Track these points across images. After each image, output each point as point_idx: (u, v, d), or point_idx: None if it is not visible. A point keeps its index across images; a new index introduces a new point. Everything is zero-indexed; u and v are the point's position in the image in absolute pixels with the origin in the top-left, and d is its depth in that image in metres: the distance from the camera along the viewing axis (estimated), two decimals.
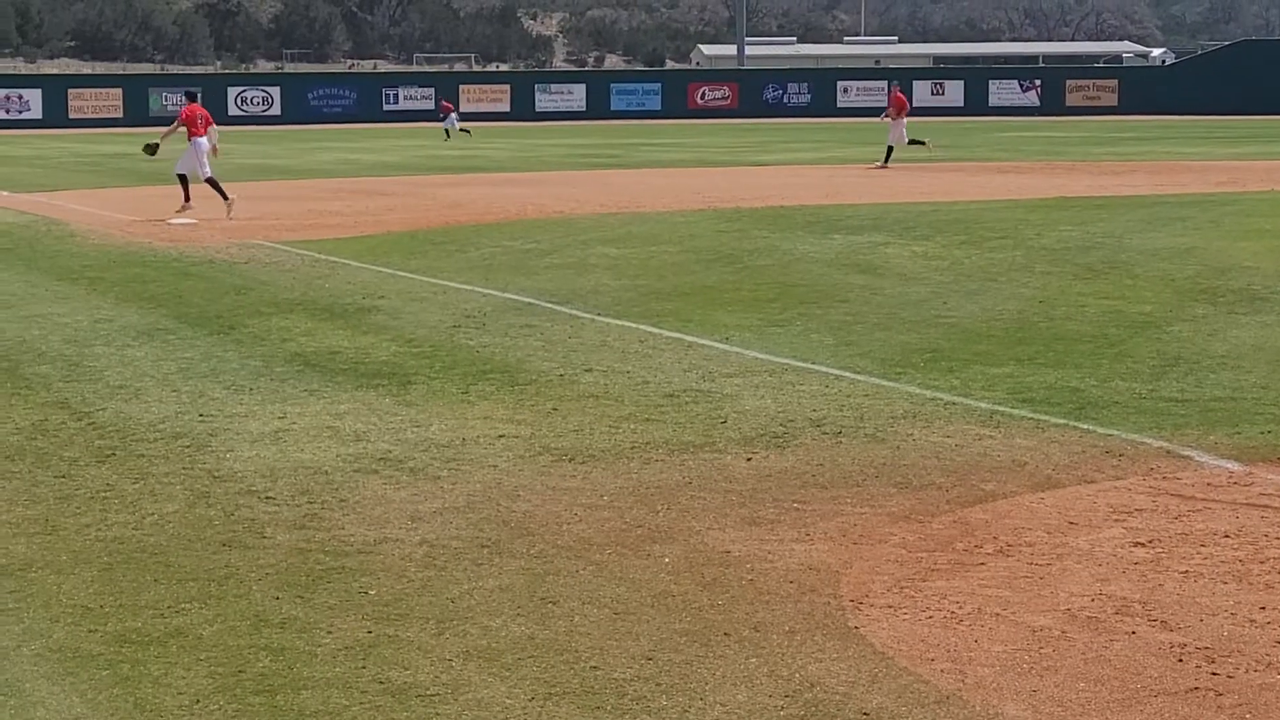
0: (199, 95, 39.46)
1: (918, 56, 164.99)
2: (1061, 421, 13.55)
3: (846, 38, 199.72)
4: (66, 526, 10.63)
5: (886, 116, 54.18)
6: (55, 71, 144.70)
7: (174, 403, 14.66)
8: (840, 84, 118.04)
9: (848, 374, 15.76)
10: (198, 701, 7.58)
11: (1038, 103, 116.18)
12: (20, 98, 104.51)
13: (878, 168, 50.77)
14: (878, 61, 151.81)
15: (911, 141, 52.19)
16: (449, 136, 79.73)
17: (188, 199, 34.53)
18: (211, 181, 34.04)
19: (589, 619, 8.70)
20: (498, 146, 69.84)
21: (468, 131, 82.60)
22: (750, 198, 38.22)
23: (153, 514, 10.90)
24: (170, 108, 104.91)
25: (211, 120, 34.96)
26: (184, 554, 9.98)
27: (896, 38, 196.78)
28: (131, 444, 13.00)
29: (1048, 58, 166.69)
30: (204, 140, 34.30)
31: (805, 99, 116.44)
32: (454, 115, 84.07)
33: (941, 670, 7.92)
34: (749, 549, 10.00)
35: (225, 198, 33.79)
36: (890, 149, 51.46)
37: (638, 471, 12.00)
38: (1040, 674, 7.86)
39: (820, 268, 24.48)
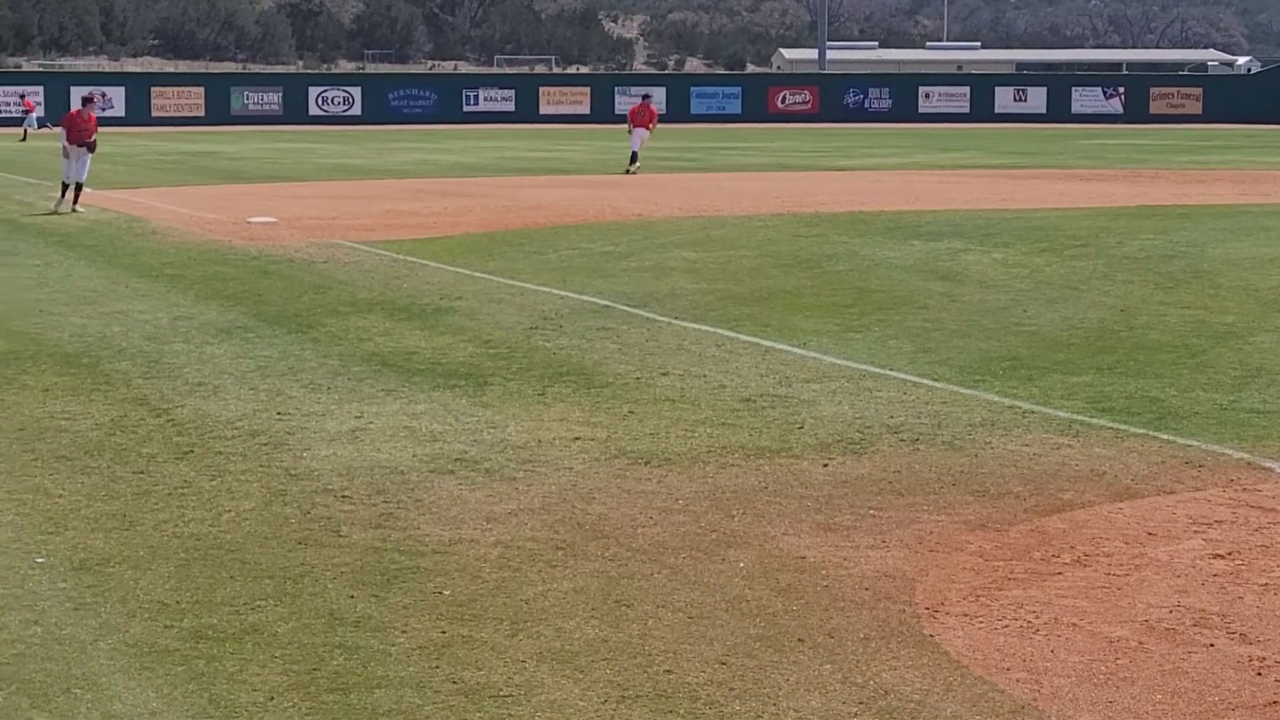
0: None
1: (1000, 63, 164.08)
2: (1141, 431, 13.45)
3: (929, 43, 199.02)
4: (144, 522, 10.70)
5: None
6: (138, 70, 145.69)
7: (252, 400, 14.73)
8: (922, 89, 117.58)
9: (926, 381, 15.69)
10: (272, 699, 7.60)
11: (1121, 110, 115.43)
12: (104, 95, 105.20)
13: None
14: (960, 67, 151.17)
15: None
16: (25, 138, 79.31)
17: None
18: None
19: (663, 623, 8.68)
20: (577, 149, 69.91)
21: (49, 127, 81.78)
22: (829, 203, 38.13)
23: (230, 511, 10.96)
24: (251, 107, 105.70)
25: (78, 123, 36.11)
26: (260, 551, 10.02)
27: (979, 43, 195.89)
28: (209, 441, 13.07)
29: (1131, 65, 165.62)
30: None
31: (886, 104, 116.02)
32: (34, 115, 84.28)
33: (1017, 680, 7.86)
34: (824, 555, 9.96)
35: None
36: None
37: (713, 476, 11.98)
38: (1117, 685, 7.80)
39: (899, 274, 24.39)
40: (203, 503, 11.17)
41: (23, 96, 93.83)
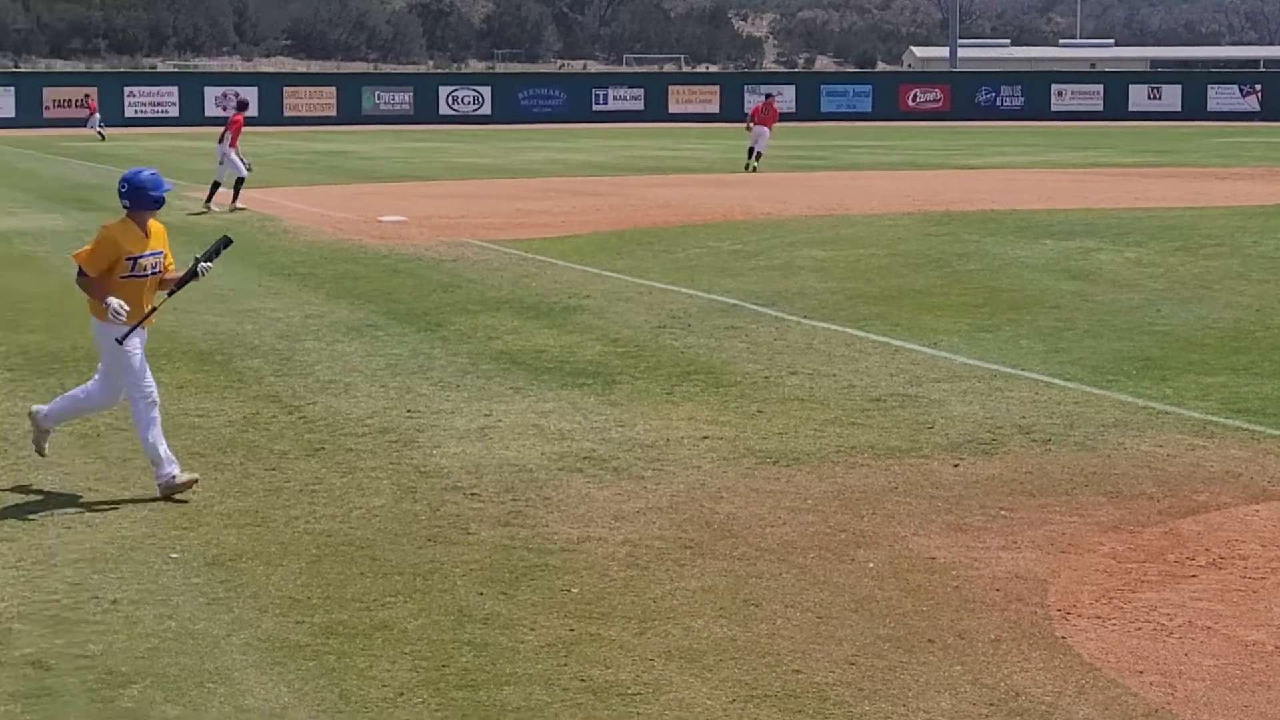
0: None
1: (1134, 60, 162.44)
2: (1277, 433, 13.26)
3: (1061, 40, 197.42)
4: (276, 518, 10.79)
5: None
6: (271, 70, 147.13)
7: (382, 398, 14.83)
8: (1054, 87, 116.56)
9: (1057, 381, 15.55)
10: (401, 694, 7.64)
11: (1258, 107, 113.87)
12: (237, 95, 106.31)
13: None
14: (1093, 65, 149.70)
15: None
16: (104, 138, 79.84)
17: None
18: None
19: (791, 622, 8.65)
20: (706, 147, 69.88)
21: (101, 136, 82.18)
22: (960, 201, 37.89)
23: (360, 508, 11.03)
24: (382, 107, 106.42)
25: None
26: (390, 548, 10.08)
27: (1113, 40, 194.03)
28: (340, 438, 13.16)
29: (1268, 62, 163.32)
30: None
31: (1018, 102, 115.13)
32: (96, 116, 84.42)
33: (1150, 683, 7.77)
34: (954, 556, 9.90)
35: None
36: None
37: (842, 476, 11.93)
38: (1252, 690, 7.69)
39: (1031, 273, 24.20)
40: (333, 499, 11.26)
41: (86, 97, 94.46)
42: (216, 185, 37.13)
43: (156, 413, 11.41)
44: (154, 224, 11.61)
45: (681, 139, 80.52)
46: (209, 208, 36.14)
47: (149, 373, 11.51)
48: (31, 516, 10.84)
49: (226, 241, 12.06)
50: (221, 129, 37.44)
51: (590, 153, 65.02)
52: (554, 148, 69.63)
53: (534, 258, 26.25)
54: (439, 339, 18.22)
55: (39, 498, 11.33)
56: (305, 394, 15.04)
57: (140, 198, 11.40)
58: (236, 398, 14.87)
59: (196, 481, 11.40)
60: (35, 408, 12.10)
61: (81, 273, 11.36)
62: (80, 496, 11.36)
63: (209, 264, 11.84)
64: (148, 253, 11.42)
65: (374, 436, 13.25)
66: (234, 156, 36.52)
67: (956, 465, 12.24)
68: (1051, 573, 9.56)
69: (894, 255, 26.49)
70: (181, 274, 11.75)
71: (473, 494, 11.41)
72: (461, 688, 7.72)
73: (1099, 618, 8.75)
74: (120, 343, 11.26)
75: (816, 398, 14.81)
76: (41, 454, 12.04)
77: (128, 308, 11.22)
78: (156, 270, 11.51)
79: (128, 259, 11.30)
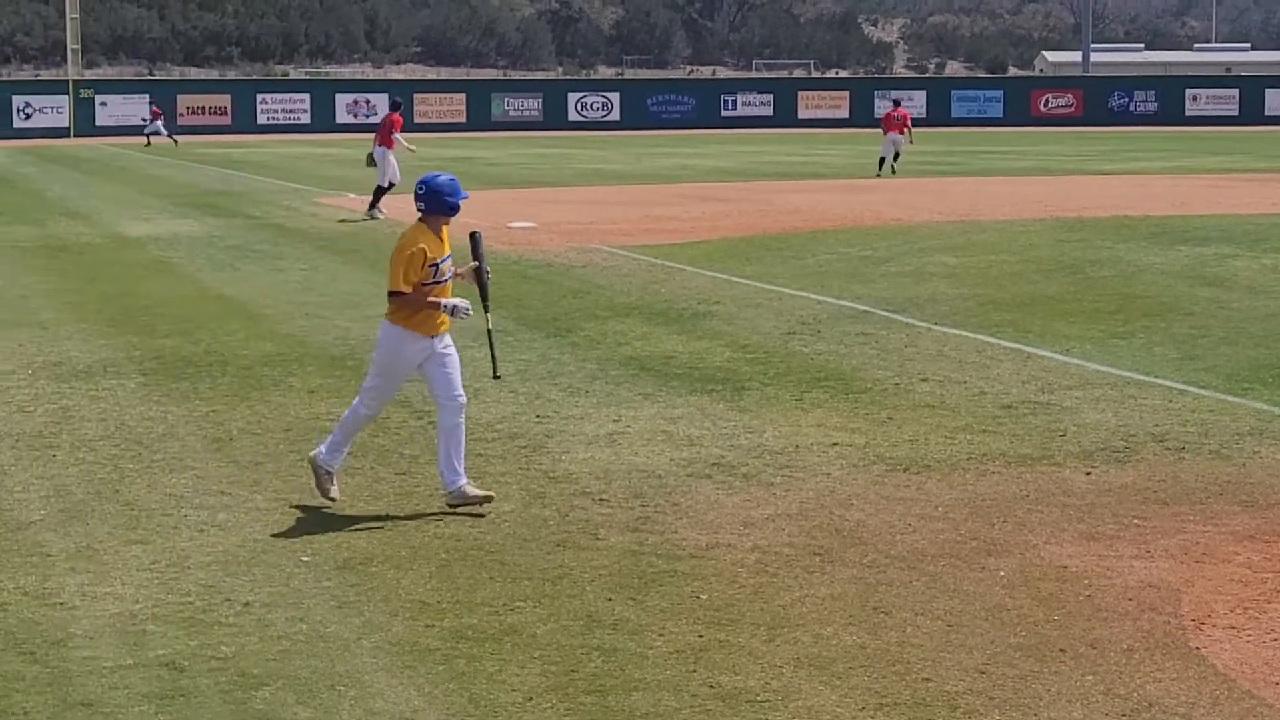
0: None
1: (1271, 64, 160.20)
2: None
3: (1196, 44, 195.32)
4: (406, 523, 10.86)
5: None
6: (401, 77, 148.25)
7: (511, 404, 14.88)
8: (1189, 92, 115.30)
9: (1192, 389, 15.38)
10: (530, 699, 7.66)
11: None
12: (368, 102, 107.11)
13: None
14: (1229, 69, 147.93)
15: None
16: (149, 143, 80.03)
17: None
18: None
19: (921, 630, 8.60)
20: (836, 153, 69.68)
21: (174, 140, 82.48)
22: (1093, 207, 37.56)
23: (489, 512, 11.07)
24: (511, 113, 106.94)
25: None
26: (519, 553, 10.12)
27: (1249, 45, 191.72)
28: (470, 443, 13.17)
29: None
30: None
31: (1152, 107, 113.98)
32: (159, 123, 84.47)
33: None
34: (1087, 564, 9.80)
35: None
36: None
37: (973, 483, 11.86)
38: None
39: (1165, 279, 23.94)
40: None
41: (151, 103, 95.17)
42: (381, 190, 36.54)
43: (461, 418, 11.22)
44: (445, 228, 11.34)
45: (811, 144, 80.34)
46: (375, 214, 35.98)
47: (458, 377, 11.34)
48: (165, 519, 10.96)
49: (476, 236, 11.85)
50: (375, 133, 37.32)
51: (719, 158, 65.00)
52: (683, 153, 69.67)
53: (663, 264, 26.27)
54: (568, 345, 18.26)
55: (172, 501, 11.45)
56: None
57: (437, 202, 11.13)
58: None
59: (491, 498, 11.19)
60: (313, 453, 11.59)
61: (397, 294, 11.04)
62: (213, 500, 11.47)
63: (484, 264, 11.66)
64: (445, 258, 11.17)
65: (503, 442, 13.30)
66: (390, 159, 36.39)
67: (1089, 473, 12.13)
68: (1185, 582, 9.45)
69: (1026, 261, 26.29)
70: (478, 280, 11.58)
71: (602, 499, 11.43)
72: (590, 693, 7.73)
73: (1234, 628, 8.64)
74: (451, 313, 11.15)
75: (947, 405, 14.73)
76: (330, 499, 11.32)
77: (466, 301, 11.19)
78: (450, 276, 11.26)
79: (430, 265, 11.06)
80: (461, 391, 11.28)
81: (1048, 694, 7.71)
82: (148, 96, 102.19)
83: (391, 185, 36.10)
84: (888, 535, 10.49)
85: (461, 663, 8.16)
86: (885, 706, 7.56)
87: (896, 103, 56.50)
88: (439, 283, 11.13)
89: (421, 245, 11.05)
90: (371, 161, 36.73)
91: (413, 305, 11.08)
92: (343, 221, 35.41)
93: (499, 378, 11.89)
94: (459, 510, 11.08)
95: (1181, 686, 7.79)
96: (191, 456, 12.70)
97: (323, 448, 11.48)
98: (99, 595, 9.29)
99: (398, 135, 36.78)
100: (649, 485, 11.81)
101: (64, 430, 13.82)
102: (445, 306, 11.09)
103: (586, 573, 9.68)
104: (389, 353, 11.33)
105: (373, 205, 36.12)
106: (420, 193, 11.18)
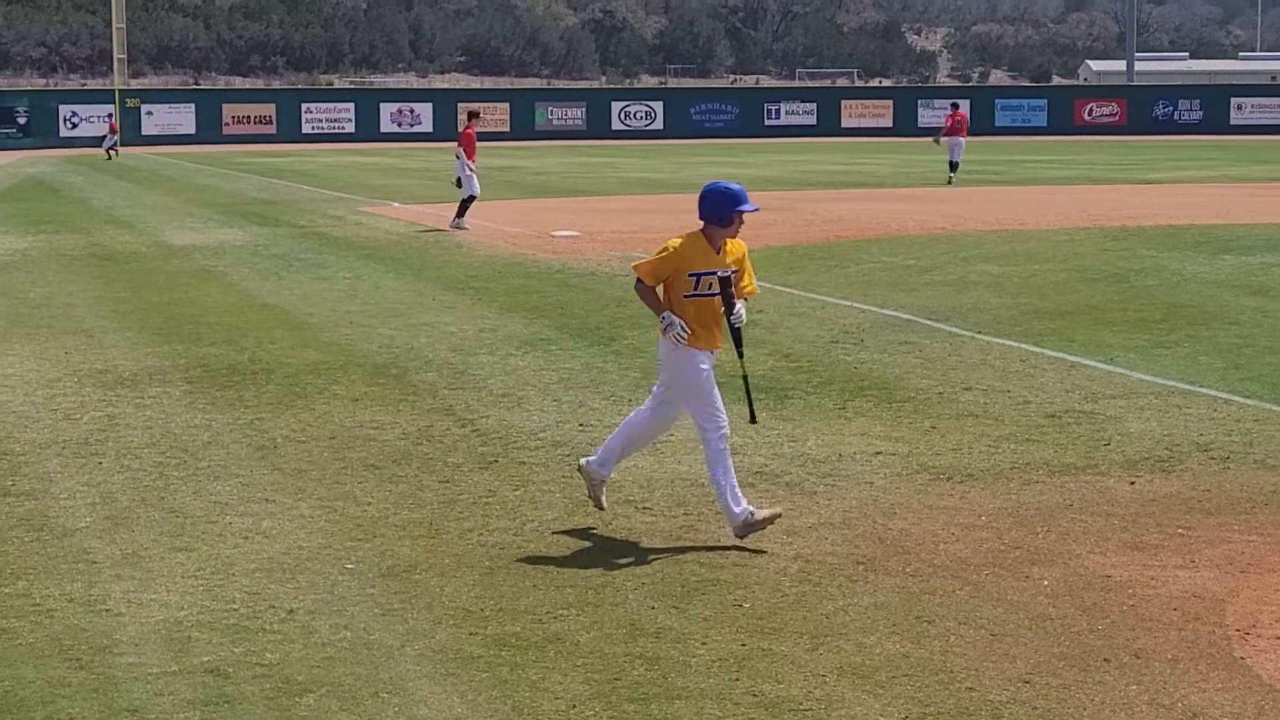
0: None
1: None
2: None
3: (1241, 53, 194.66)
4: (449, 530, 10.87)
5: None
6: (445, 86, 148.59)
7: (555, 412, 14.90)
8: (1234, 100, 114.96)
9: (1237, 398, 15.31)
10: (574, 707, 7.67)
11: None
12: (412, 111, 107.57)
13: None
14: (1274, 77, 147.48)
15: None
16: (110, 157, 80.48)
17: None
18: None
19: (965, 639, 8.59)
20: (879, 162, 69.61)
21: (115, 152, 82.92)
22: (1137, 216, 37.46)
23: (533, 520, 11.09)
24: (555, 122, 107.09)
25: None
26: (562, 561, 10.13)
27: None
28: (513, 451, 13.24)
29: None
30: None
31: (1197, 116, 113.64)
32: (115, 138, 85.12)
33: None
34: (1131, 574, 9.77)
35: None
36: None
37: (1017, 492, 11.83)
38: None
39: (1210, 288, 23.86)
40: (506, 512, 11.32)
41: (109, 116, 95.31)
42: (465, 202, 36.45)
43: (727, 445, 10.61)
44: (733, 242, 10.63)
45: (854, 153, 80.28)
46: (458, 226, 35.88)
47: (720, 399, 10.76)
48: (210, 526, 11.00)
49: (725, 279, 10.63)
50: (457, 144, 37.20)
51: (762, 167, 64.97)
52: (726, 162, 69.67)
53: None
54: (611, 353, 18.28)
55: (217, 508, 11.49)
56: (479, 407, 15.14)
57: (712, 212, 10.53)
58: (411, 411, 15.01)
59: (779, 516, 10.70)
60: (584, 461, 11.27)
61: (640, 281, 10.65)
62: (257, 507, 11.51)
63: (735, 310, 10.70)
64: (714, 270, 10.50)
65: (547, 450, 13.32)
66: (469, 172, 36.35)
67: (1133, 483, 12.09)
68: (1230, 592, 9.42)
69: (1070, 270, 26.22)
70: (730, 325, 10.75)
71: (644, 508, 11.43)
72: (633, 701, 7.74)
73: (1279, 638, 8.60)
74: (664, 329, 10.53)
75: (991, 414, 14.69)
76: (600, 507, 11.12)
77: (689, 330, 10.47)
78: (715, 292, 10.56)
79: (690, 275, 10.48)
80: (725, 414, 10.74)
81: (1091, 704, 7.69)
82: (193, 106, 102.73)
83: (473, 198, 36.09)
84: (931, 544, 10.48)
85: (505, 670, 8.17)
86: (928, 716, 7.55)
87: (955, 105, 56.42)
88: (702, 295, 10.55)
89: (682, 252, 10.52)
90: (459, 183, 36.56)
91: (645, 299, 10.67)
92: (427, 231, 35.49)
93: (755, 422, 11.56)
94: (503, 518, 11.10)
95: (1226, 697, 7.76)
96: (236, 464, 12.75)
97: (596, 458, 11.19)
98: (144, 602, 9.33)
99: (462, 149, 36.44)
100: (692, 493, 11.81)
101: (110, 438, 13.89)
102: (664, 318, 10.56)
103: (629, 581, 9.69)
104: (663, 365, 10.92)
105: (459, 215, 36.03)
106: (700, 201, 10.65)
